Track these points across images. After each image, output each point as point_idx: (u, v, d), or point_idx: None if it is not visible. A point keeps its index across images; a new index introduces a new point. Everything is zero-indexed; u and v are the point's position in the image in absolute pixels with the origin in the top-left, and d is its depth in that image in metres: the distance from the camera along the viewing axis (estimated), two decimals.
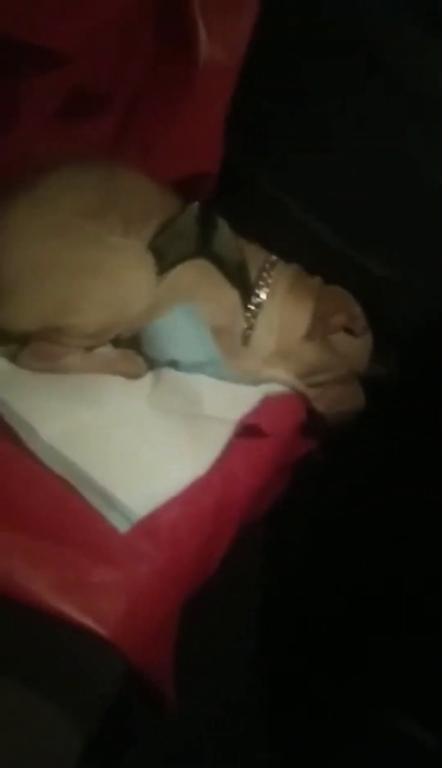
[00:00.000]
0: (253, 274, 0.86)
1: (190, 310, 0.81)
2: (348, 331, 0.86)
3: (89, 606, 0.59)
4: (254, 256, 0.87)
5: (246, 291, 0.85)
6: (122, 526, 0.64)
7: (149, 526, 0.65)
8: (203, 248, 0.82)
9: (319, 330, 0.86)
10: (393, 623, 0.71)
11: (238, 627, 0.78)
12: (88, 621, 0.59)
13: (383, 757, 0.65)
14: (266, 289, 0.86)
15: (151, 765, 0.70)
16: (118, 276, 0.78)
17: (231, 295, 0.85)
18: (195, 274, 0.83)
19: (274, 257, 0.88)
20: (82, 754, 0.60)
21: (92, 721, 0.61)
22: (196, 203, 0.83)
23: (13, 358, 0.76)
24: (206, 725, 0.71)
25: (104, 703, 0.61)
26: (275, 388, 0.83)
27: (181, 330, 0.81)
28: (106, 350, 0.81)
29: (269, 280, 0.86)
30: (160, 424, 0.73)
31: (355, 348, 0.88)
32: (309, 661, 0.73)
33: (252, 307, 0.86)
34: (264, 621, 0.78)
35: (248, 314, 0.85)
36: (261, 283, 0.86)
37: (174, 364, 0.80)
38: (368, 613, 0.73)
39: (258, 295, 0.86)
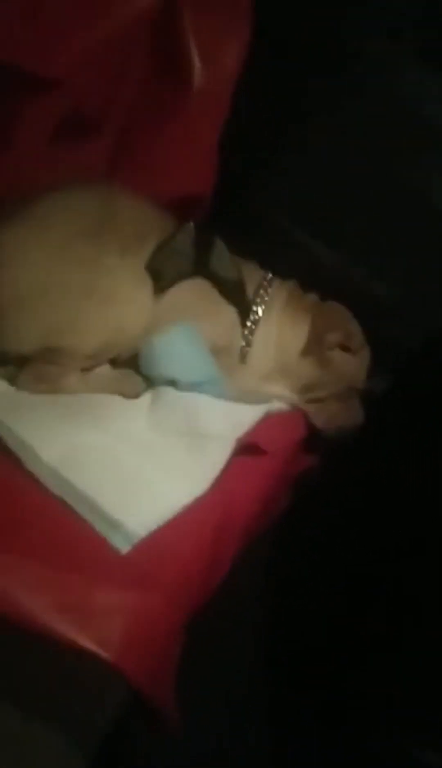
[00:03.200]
0: (250, 291, 0.87)
1: (188, 330, 0.82)
2: (344, 348, 0.87)
3: (90, 629, 0.59)
4: (251, 274, 0.88)
5: (243, 309, 0.86)
6: (123, 547, 0.64)
7: (151, 547, 0.65)
8: (200, 267, 0.84)
9: (315, 347, 0.87)
10: (397, 639, 0.71)
11: (241, 644, 0.78)
12: (89, 644, 0.59)
13: None
14: (262, 307, 0.87)
15: None
16: (115, 297, 0.79)
17: (229, 314, 0.86)
18: (192, 294, 0.84)
19: (270, 275, 0.89)
20: None
21: (93, 743, 0.61)
22: (192, 223, 0.84)
23: (12, 380, 0.77)
24: (210, 745, 0.71)
25: (105, 724, 0.61)
26: (275, 405, 0.84)
27: (180, 349, 0.82)
28: (105, 370, 0.81)
29: (266, 298, 0.87)
30: (160, 443, 0.73)
31: (352, 365, 0.88)
32: (313, 680, 0.73)
33: (249, 325, 0.86)
34: (268, 638, 0.78)
35: (246, 332, 0.86)
36: (258, 300, 0.87)
37: (173, 384, 0.81)
38: (371, 629, 0.73)
39: (255, 313, 0.87)
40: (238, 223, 0.91)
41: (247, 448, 0.76)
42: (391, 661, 0.70)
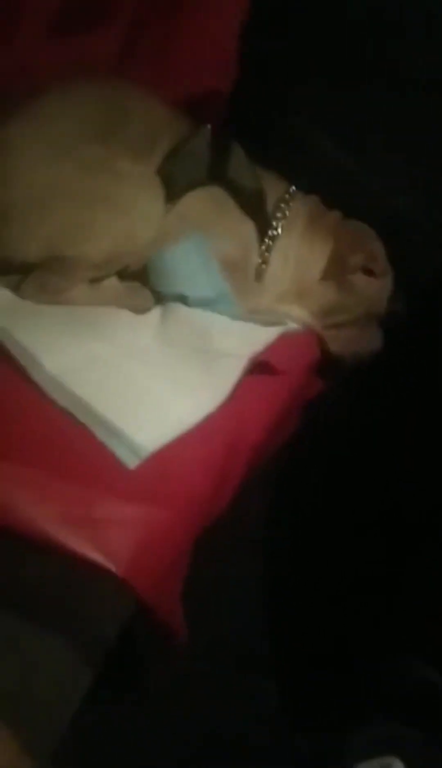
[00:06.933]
0: (270, 204, 0.84)
1: (199, 242, 0.80)
2: (368, 271, 0.86)
3: (97, 541, 0.61)
4: (272, 185, 0.85)
5: (262, 223, 0.84)
6: (131, 462, 0.65)
7: (160, 463, 0.65)
8: (217, 174, 0.81)
9: (337, 269, 0.85)
10: (399, 566, 0.74)
11: (247, 564, 0.81)
12: (96, 556, 0.60)
13: (388, 691, 0.69)
14: (282, 222, 0.85)
15: (158, 700, 0.74)
16: (125, 203, 0.77)
17: (245, 227, 0.84)
18: (207, 203, 0.82)
19: (293, 188, 0.86)
20: (89, 689, 0.63)
21: (99, 656, 0.63)
22: (209, 126, 0.81)
23: (16, 289, 0.76)
24: (213, 660, 0.75)
25: (111, 637, 0.63)
26: (290, 327, 0.84)
27: (190, 263, 0.80)
28: (113, 283, 0.80)
29: (287, 212, 0.85)
30: (169, 358, 0.73)
31: (374, 289, 0.87)
32: (317, 599, 0.76)
33: (267, 241, 0.85)
34: (274, 558, 0.81)
35: (263, 248, 0.85)
36: (278, 215, 0.84)
37: (183, 300, 0.80)
38: (374, 555, 0.76)
39: (274, 228, 0.85)
40: (257, 129, 0.88)
41: (259, 367, 0.76)
42: (393, 584, 0.73)
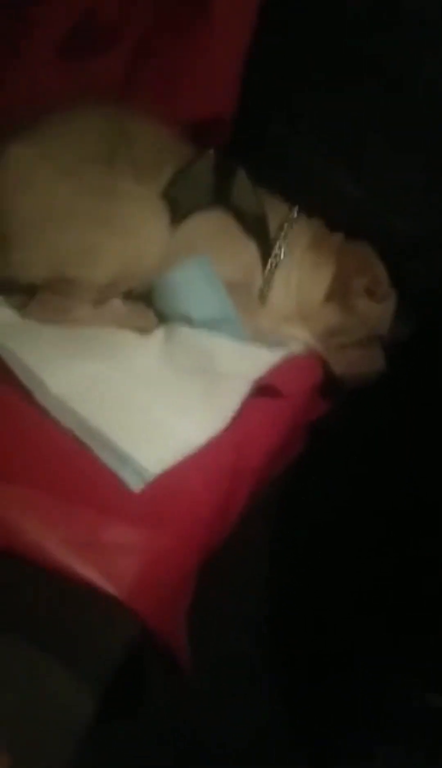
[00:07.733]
0: (273, 228, 0.85)
1: (204, 264, 0.81)
2: (370, 294, 0.87)
3: (102, 566, 0.60)
4: (275, 208, 0.86)
5: (265, 246, 0.85)
6: (136, 485, 0.65)
7: (164, 486, 0.66)
8: (220, 198, 0.82)
9: (340, 292, 0.86)
10: (407, 590, 0.73)
11: (252, 588, 0.80)
12: (100, 581, 0.60)
13: (390, 716, 0.69)
14: (285, 245, 0.86)
15: (162, 724, 0.73)
16: (130, 226, 0.78)
17: (248, 250, 0.85)
18: (211, 226, 0.83)
19: (295, 211, 0.87)
20: (94, 713, 0.62)
21: (104, 681, 0.63)
22: (213, 150, 0.83)
23: (21, 309, 0.76)
24: (217, 686, 0.74)
25: (116, 662, 0.63)
26: (293, 348, 0.84)
27: (195, 284, 0.81)
28: (117, 304, 0.81)
29: (290, 236, 0.86)
30: (174, 380, 0.73)
31: (377, 312, 0.88)
32: (321, 621, 0.76)
33: (270, 264, 0.86)
34: (278, 582, 0.81)
35: (266, 271, 0.86)
36: (281, 237, 0.86)
37: (188, 321, 0.80)
38: (381, 579, 0.76)
39: (278, 251, 0.86)
40: (259, 154, 0.89)
41: (263, 390, 0.76)
42: (398, 608, 0.73)
